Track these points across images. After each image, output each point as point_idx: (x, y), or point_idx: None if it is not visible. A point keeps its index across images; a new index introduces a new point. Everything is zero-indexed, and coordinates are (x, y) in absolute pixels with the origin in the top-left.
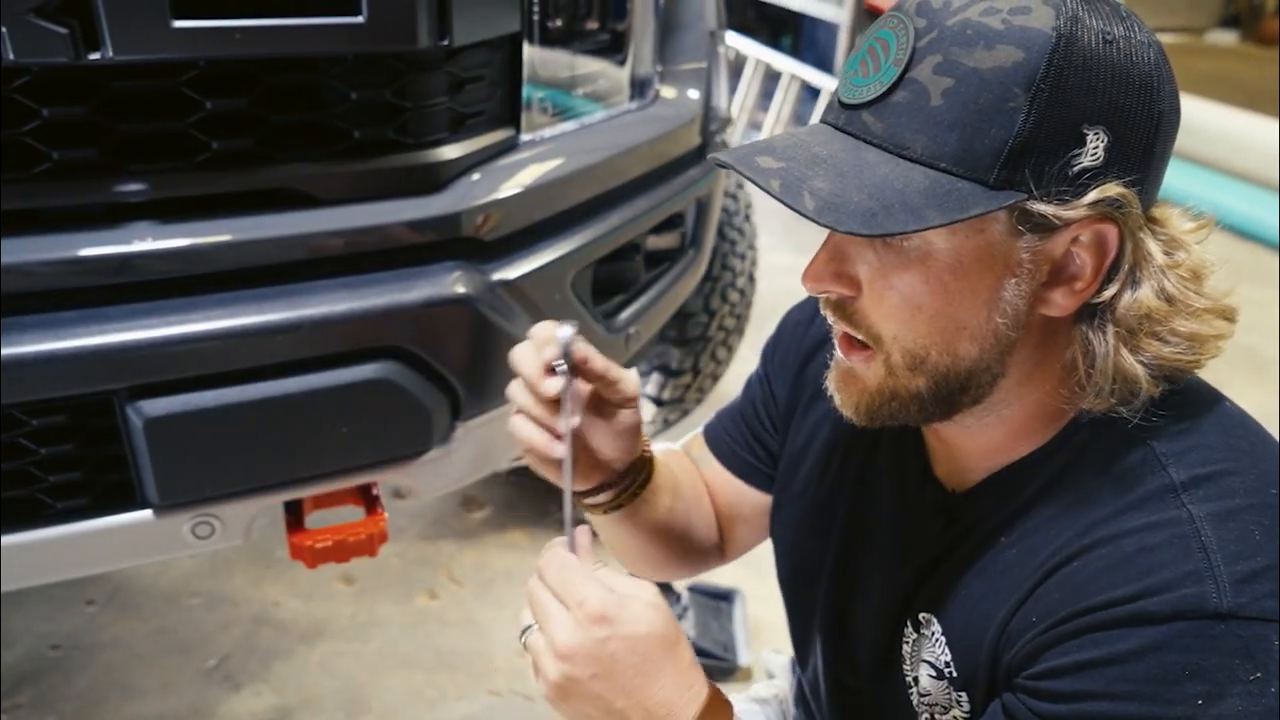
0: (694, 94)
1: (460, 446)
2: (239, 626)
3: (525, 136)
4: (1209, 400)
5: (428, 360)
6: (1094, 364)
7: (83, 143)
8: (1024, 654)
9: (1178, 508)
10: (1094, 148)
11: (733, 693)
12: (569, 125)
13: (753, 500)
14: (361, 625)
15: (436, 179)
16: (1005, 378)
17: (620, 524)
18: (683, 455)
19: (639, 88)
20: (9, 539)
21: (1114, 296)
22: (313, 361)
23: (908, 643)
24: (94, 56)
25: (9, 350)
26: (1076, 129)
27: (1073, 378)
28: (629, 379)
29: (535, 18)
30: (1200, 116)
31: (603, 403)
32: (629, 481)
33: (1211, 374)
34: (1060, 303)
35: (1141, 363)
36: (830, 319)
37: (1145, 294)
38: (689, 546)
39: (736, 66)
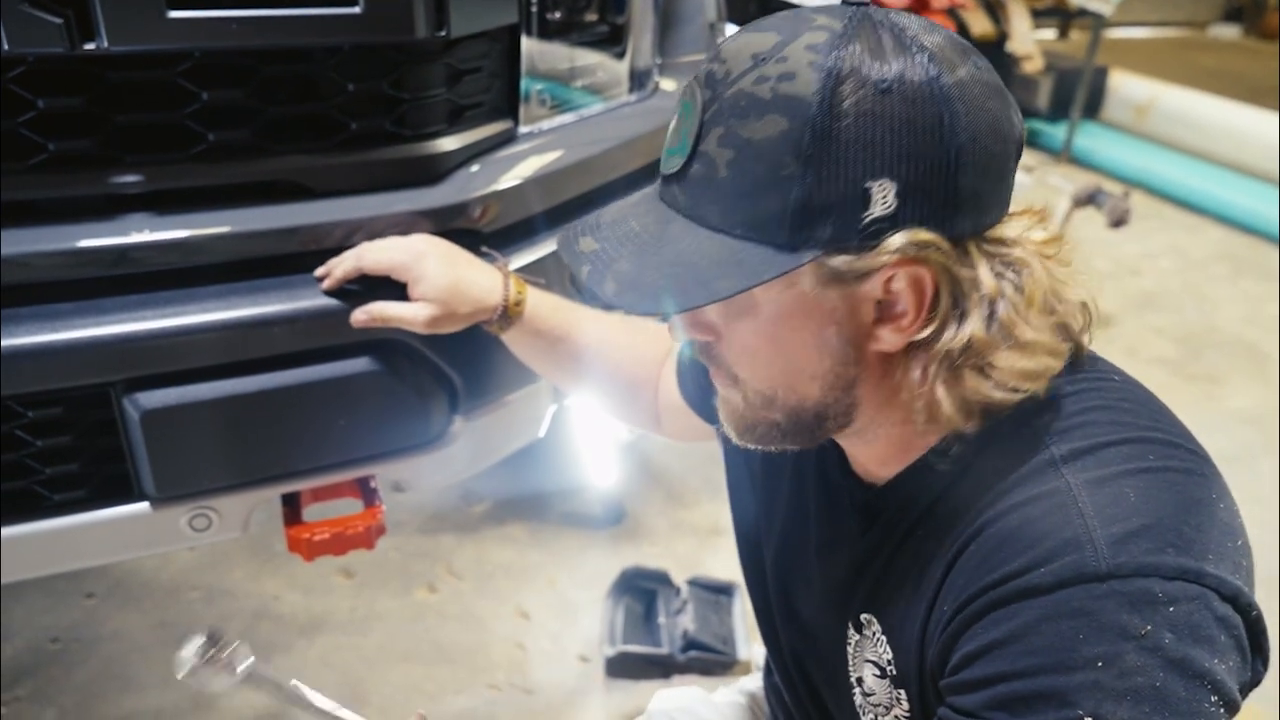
0: None
1: (458, 440)
2: (239, 620)
3: (524, 129)
4: (1100, 378)
5: (425, 353)
6: (917, 396)
7: (79, 134)
8: (942, 646)
9: (1057, 478)
10: (883, 198)
11: (722, 685)
12: (568, 117)
13: (689, 415)
14: (361, 619)
15: (435, 171)
16: (861, 406)
17: (519, 345)
18: (652, 337)
19: (638, 80)
20: (6, 531)
21: (934, 333)
22: (310, 354)
23: (850, 644)
24: (89, 47)
25: (5, 342)
26: (858, 186)
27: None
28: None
29: (534, 9)
30: (1203, 111)
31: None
32: (494, 315)
33: (1212, 368)
34: (889, 339)
35: (955, 397)
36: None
37: (971, 326)
38: (612, 397)
39: None
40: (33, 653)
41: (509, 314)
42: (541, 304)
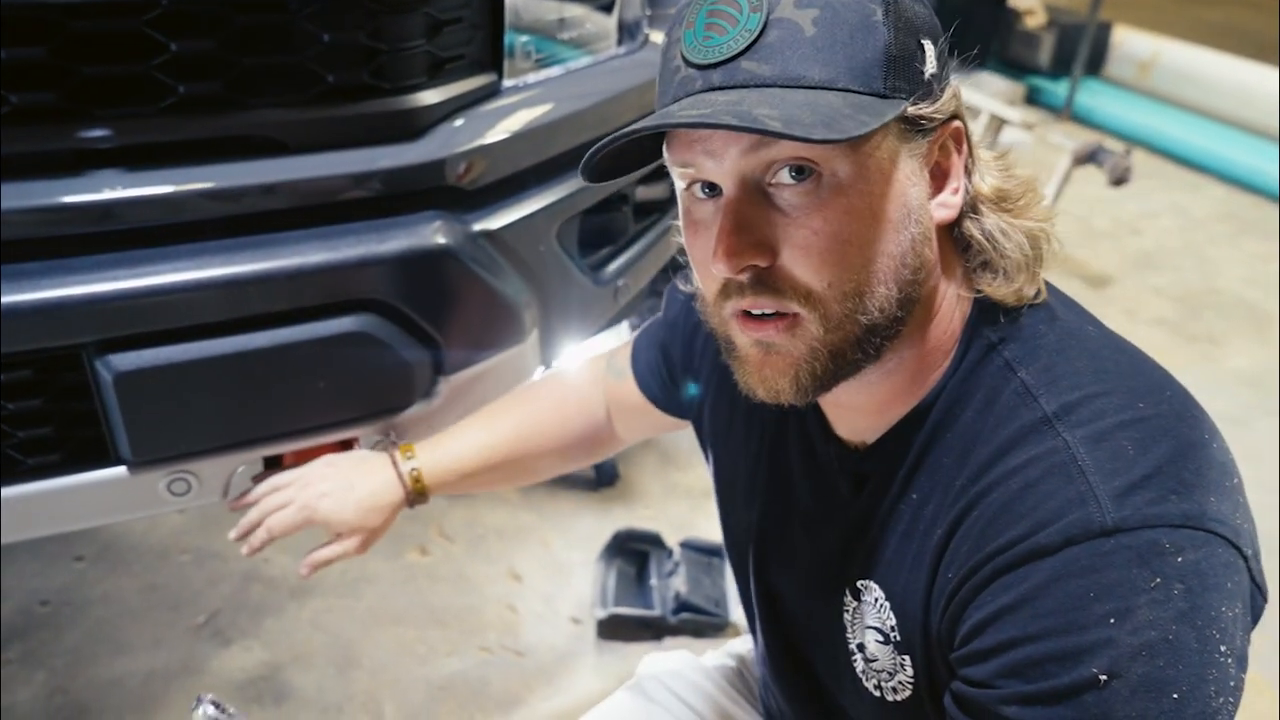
0: None
1: (444, 402)
2: (229, 583)
3: (508, 82)
4: (1074, 327)
5: (407, 313)
6: (999, 246)
7: (42, 86)
8: (950, 616)
9: (1053, 438)
10: (929, 55)
11: (710, 649)
12: (554, 71)
13: (654, 414)
14: (352, 582)
15: (415, 125)
16: (919, 303)
17: (455, 492)
18: (565, 381)
19: (627, 32)
20: None
21: (977, 187)
22: (287, 314)
23: (847, 611)
24: None
25: None
26: (918, 39)
27: (983, 274)
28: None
29: None
30: (1207, 67)
31: None
32: (406, 505)
33: (1211, 329)
34: (950, 203)
35: (1002, 245)
36: (740, 303)
37: (991, 179)
38: (565, 457)
39: None
40: (23, 615)
41: (417, 495)
42: (441, 460)
